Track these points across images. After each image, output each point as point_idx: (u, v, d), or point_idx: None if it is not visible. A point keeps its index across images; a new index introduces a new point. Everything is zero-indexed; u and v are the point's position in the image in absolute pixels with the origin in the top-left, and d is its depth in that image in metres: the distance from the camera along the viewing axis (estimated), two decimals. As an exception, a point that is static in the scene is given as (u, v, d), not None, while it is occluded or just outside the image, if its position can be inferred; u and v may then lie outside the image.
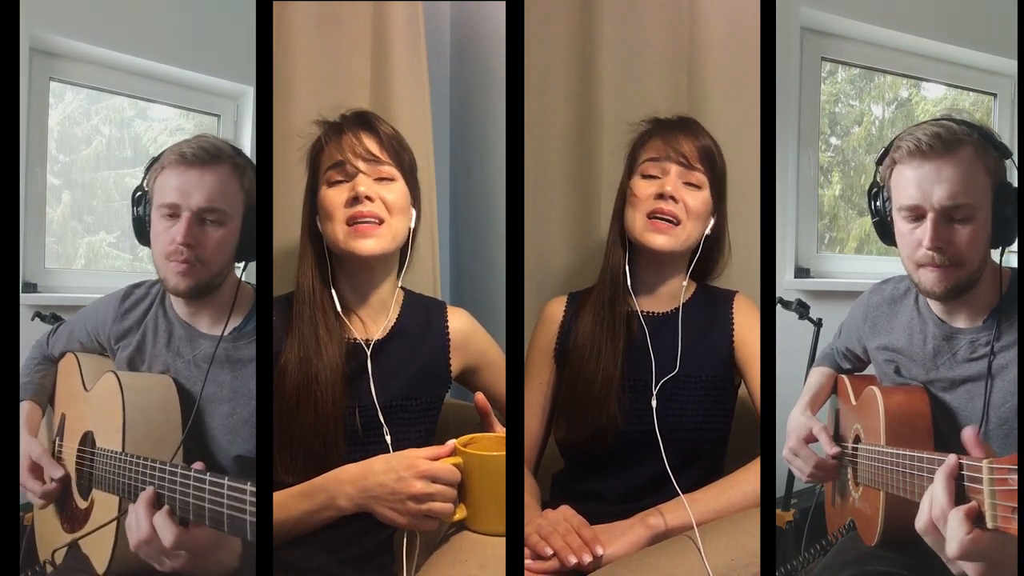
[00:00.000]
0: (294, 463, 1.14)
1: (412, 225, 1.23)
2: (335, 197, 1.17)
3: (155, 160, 1.23)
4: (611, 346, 1.26)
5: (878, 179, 1.16)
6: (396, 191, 1.19)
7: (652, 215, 1.24)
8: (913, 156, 1.07)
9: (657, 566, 1.09)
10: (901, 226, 1.11)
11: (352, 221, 1.16)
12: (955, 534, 0.82)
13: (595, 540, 1.12)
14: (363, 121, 1.22)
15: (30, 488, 1.26)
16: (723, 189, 1.30)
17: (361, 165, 1.18)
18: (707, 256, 1.32)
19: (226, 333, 1.23)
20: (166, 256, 1.19)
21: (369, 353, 1.20)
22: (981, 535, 0.80)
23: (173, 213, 1.19)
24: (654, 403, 1.23)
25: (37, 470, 1.26)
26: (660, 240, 1.24)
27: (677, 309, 1.30)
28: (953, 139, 1.05)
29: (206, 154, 1.19)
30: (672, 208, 1.23)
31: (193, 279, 1.19)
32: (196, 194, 1.18)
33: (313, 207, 1.21)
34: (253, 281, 1.27)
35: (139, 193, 1.25)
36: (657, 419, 1.22)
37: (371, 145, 1.19)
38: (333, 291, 1.20)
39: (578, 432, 1.26)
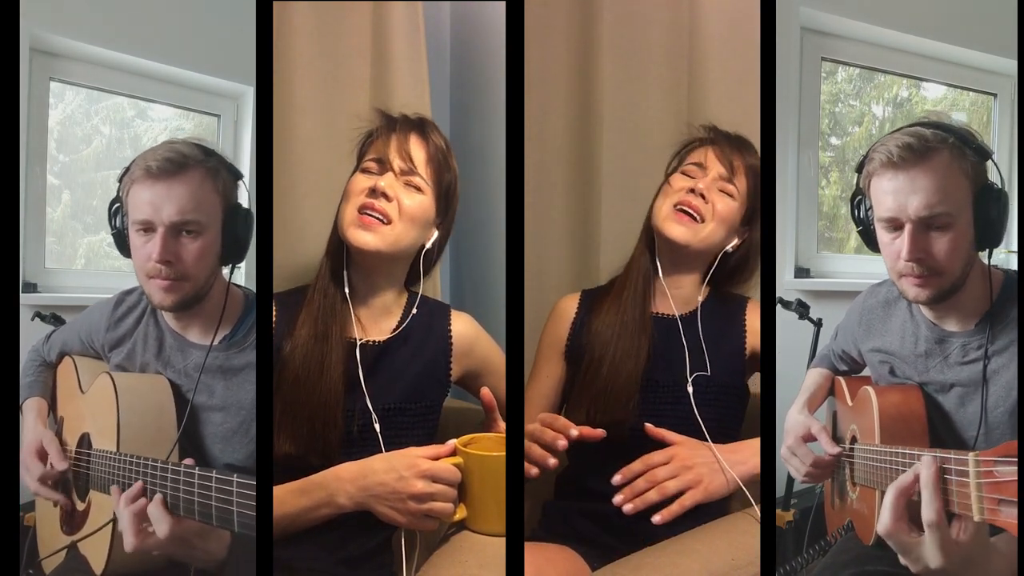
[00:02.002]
0: (297, 432, 1.13)
1: (428, 245, 1.23)
2: (360, 182, 1.18)
3: (126, 171, 1.19)
4: (637, 344, 1.26)
5: (860, 187, 1.15)
6: (417, 202, 1.19)
7: (678, 206, 1.25)
8: (886, 168, 1.05)
9: (658, 566, 1.09)
10: (882, 236, 1.10)
11: (362, 210, 1.16)
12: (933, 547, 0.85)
13: (569, 427, 1.14)
14: (418, 127, 1.22)
15: (31, 469, 1.24)
16: (756, 213, 1.30)
17: (397, 165, 1.18)
18: (728, 273, 1.33)
19: (216, 342, 1.21)
20: (146, 274, 1.17)
21: (359, 357, 1.19)
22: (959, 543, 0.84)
23: (147, 229, 1.15)
24: (690, 389, 1.23)
25: (43, 454, 1.25)
26: (678, 230, 1.24)
27: (692, 312, 1.30)
28: (925, 147, 1.03)
29: (171, 164, 1.14)
30: (699, 204, 1.24)
31: (177, 294, 1.17)
32: (167, 208, 1.13)
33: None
34: (251, 282, 1.26)
35: (116, 205, 1.21)
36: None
37: (417, 153, 1.19)
38: (345, 275, 1.20)
39: (594, 425, 1.25)
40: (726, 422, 1.27)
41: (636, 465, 1.14)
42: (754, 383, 1.33)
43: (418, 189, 1.19)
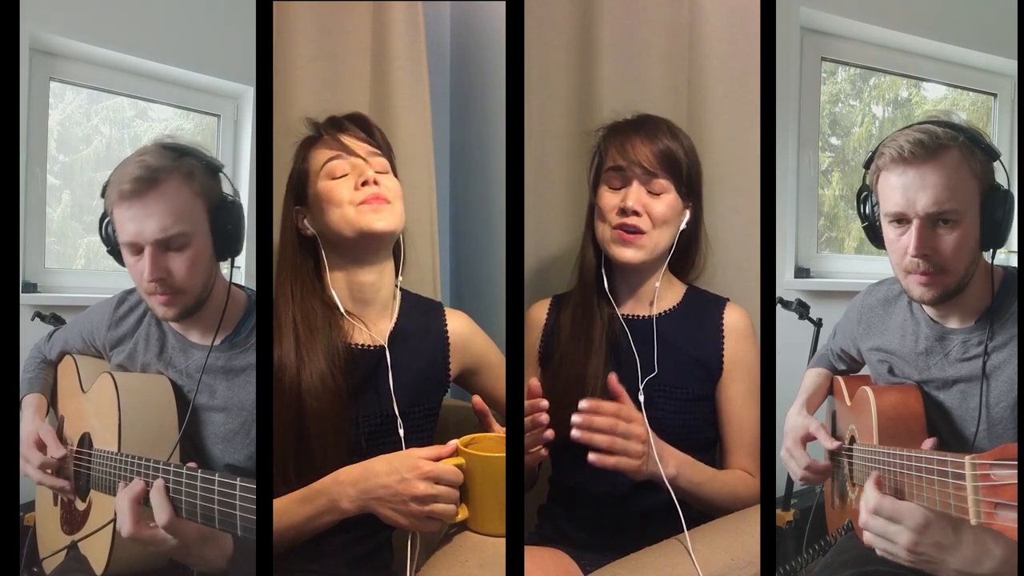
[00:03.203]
0: (309, 470, 1.12)
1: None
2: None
3: (106, 186, 1.17)
4: (588, 348, 1.24)
5: (867, 183, 1.15)
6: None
7: (618, 229, 1.23)
8: (896, 163, 1.06)
9: (657, 566, 1.09)
10: (888, 232, 1.11)
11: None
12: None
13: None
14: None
15: (31, 459, 1.24)
16: (695, 186, 1.28)
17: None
18: (683, 252, 1.31)
19: (218, 343, 1.21)
20: (144, 291, 1.18)
21: (388, 357, 1.19)
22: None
23: (136, 250, 1.15)
24: (641, 398, 1.20)
25: (41, 445, 1.25)
26: (627, 253, 1.23)
27: (664, 312, 1.29)
28: (936, 144, 1.04)
29: (142, 183, 1.12)
30: (636, 221, 1.22)
31: (177, 307, 1.17)
32: (148, 227, 1.12)
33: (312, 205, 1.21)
34: (252, 281, 1.26)
35: (106, 220, 1.19)
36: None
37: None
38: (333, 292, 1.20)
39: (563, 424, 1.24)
40: (699, 426, 1.26)
41: (608, 406, 1.09)
42: (729, 397, 1.30)
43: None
